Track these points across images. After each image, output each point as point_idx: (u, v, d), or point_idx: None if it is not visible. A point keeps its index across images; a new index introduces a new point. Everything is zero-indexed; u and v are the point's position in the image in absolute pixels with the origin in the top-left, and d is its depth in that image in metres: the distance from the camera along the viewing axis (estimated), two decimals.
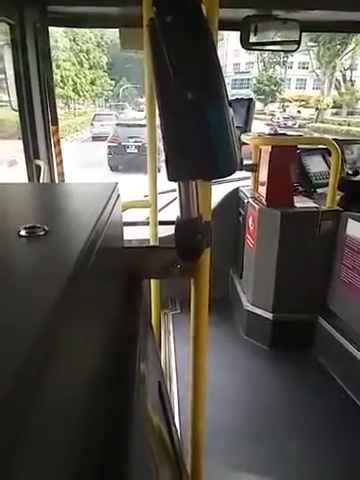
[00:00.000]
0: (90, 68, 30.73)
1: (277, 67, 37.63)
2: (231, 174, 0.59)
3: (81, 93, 28.72)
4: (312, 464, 1.59)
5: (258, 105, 37.82)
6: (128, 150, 12.01)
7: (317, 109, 31.97)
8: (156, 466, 0.60)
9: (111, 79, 37.62)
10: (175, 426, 0.93)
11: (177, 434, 0.92)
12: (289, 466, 1.58)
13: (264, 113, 34.81)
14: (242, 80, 43.12)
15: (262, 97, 38.28)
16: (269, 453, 1.64)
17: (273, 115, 32.26)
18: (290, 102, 37.96)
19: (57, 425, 0.31)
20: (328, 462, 1.60)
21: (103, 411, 0.49)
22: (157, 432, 0.71)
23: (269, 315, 2.29)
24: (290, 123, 28.41)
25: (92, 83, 30.97)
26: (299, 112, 35.63)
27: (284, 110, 37.74)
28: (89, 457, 0.41)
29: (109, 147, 12.68)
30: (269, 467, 1.58)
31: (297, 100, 37.76)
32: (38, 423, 0.26)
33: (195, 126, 0.55)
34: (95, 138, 20.40)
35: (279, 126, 26.27)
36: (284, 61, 36.15)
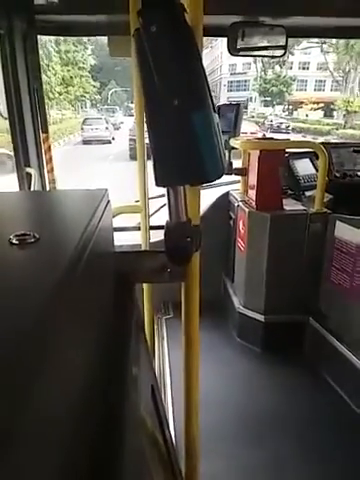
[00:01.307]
0: (65, 65, 24.69)
1: (276, 67, 34.83)
2: (218, 178, 0.61)
3: (50, 94, 22.08)
4: (306, 465, 1.60)
5: (256, 107, 35.47)
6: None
7: (347, 112, 27.79)
8: (150, 470, 0.60)
9: (99, 82, 34.55)
10: (169, 429, 0.93)
11: (171, 437, 0.93)
12: (283, 468, 1.59)
13: (266, 117, 31.69)
14: (239, 82, 40.44)
15: (268, 99, 35.27)
16: (263, 455, 1.64)
17: (265, 118, 30.21)
18: (306, 104, 34.35)
19: (48, 430, 0.32)
20: (322, 462, 1.61)
21: (95, 415, 0.49)
22: (150, 435, 0.71)
23: (261, 317, 2.31)
24: (283, 126, 26.84)
25: (67, 83, 24.99)
26: (306, 116, 32.43)
27: (290, 113, 34.65)
28: (81, 460, 0.41)
29: (130, 140, 14.79)
30: (263, 469, 1.58)
31: (315, 102, 34.05)
32: (28, 428, 0.27)
33: (181, 132, 0.57)
34: (86, 142, 20.42)
35: (272, 129, 25.15)
36: (284, 61, 32.72)
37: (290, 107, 36.22)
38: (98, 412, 0.50)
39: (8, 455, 0.23)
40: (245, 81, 39.54)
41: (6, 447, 0.23)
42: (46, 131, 2.08)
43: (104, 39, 2.03)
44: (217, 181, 0.63)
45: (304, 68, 37.18)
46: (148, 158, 1.00)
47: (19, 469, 0.25)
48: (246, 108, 37.86)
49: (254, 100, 37.93)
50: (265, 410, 1.90)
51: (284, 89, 34.85)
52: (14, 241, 0.48)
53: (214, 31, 2.12)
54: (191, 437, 0.92)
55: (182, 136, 0.57)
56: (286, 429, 1.79)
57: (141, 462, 0.55)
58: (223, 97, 37.51)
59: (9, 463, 0.23)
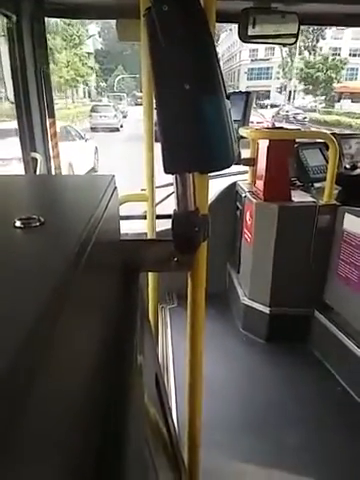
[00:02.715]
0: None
1: (303, 54, 30.81)
2: (228, 167, 0.59)
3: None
4: (308, 456, 1.61)
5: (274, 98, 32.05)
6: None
7: None
8: (153, 458, 0.60)
9: (105, 68, 33.33)
10: (172, 419, 0.93)
11: (174, 426, 0.93)
12: (285, 458, 1.59)
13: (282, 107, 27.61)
14: (260, 69, 36.39)
15: (310, 87, 30.57)
16: (265, 445, 1.65)
17: (280, 108, 27.07)
18: None
19: (52, 417, 0.31)
20: (324, 454, 1.61)
21: (100, 403, 0.49)
22: (154, 424, 0.72)
23: (266, 309, 2.30)
24: (300, 117, 24.39)
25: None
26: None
27: (330, 104, 29.57)
28: (85, 449, 0.41)
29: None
30: (265, 459, 1.59)
31: None
32: (32, 415, 0.26)
33: (192, 117, 0.55)
34: (93, 129, 20.09)
35: (287, 120, 23.45)
36: (314, 46, 29.01)
37: (332, 96, 31.43)
38: (103, 401, 0.49)
39: (13, 442, 0.23)
40: (267, 68, 36.07)
41: (10, 433, 0.22)
42: (52, 116, 2.07)
43: (111, 21, 1.99)
44: (224, 171, 0.62)
45: (334, 54, 32.65)
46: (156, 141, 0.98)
47: (18, 457, 0.24)
48: (268, 98, 34.69)
49: (283, 90, 34.35)
50: (268, 401, 1.90)
51: (333, 75, 29.63)
52: (18, 224, 0.47)
53: (225, 17, 2.08)
54: (194, 426, 0.93)
55: (192, 122, 0.55)
56: (289, 420, 1.79)
57: (144, 450, 0.55)
58: (242, 86, 34.50)
59: (9, 451, 0.23)
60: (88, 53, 32.50)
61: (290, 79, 33.54)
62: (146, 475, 0.52)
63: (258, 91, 35.52)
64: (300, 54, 31.60)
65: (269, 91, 36.62)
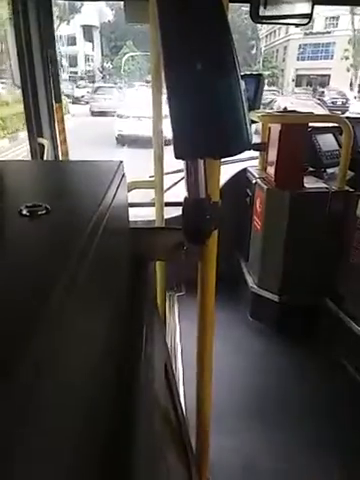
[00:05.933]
0: None
1: None
2: (242, 152, 0.56)
3: None
4: (317, 445, 1.61)
5: None
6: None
7: None
8: (162, 447, 0.60)
9: (113, 47, 30.30)
10: (181, 406, 0.93)
11: (183, 414, 0.93)
12: (294, 448, 1.60)
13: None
14: (317, 45, 27.08)
15: None
16: (273, 434, 1.65)
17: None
18: None
19: (61, 406, 0.31)
20: (333, 443, 1.61)
21: (109, 392, 0.49)
22: (163, 412, 0.72)
23: (275, 297, 2.28)
24: (339, 102, 21.05)
25: None
26: None
27: None
28: (95, 437, 0.41)
29: None
30: (273, 447, 1.59)
31: None
32: (40, 404, 0.26)
33: (204, 99, 0.52)
34: (95, 113, 18.62)
35: (326, 106, 19.81)
36: None
37: None
38: (112, 388, 0.50)
39: (15, 436, 0.23)
40: (327, 45, 26.74)
41: (15, 423, 0.23)
42: (59, 101, 2.04)
43: None
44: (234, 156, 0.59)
45: None
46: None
47: (27, 446, 0.24)
48: (324, 86, 25.55)
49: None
50: (277, 390, 1.90)
51: None
52: (24, 212, 0.46)
53: None
54: (203, 414, 0.93)
55: (205, 103, 0.53)
56: (298, 410, 1.79)
57: (154, 439, 0.55)
58: (290, 69, 26.23)
59: (17, 439, 0.23)
60: (89, 26, 30.18)
61: None
62: (156, 462, 0.53)
63: (309, 75, 27.45)
64: None
65: (328, 75, 27.39)
